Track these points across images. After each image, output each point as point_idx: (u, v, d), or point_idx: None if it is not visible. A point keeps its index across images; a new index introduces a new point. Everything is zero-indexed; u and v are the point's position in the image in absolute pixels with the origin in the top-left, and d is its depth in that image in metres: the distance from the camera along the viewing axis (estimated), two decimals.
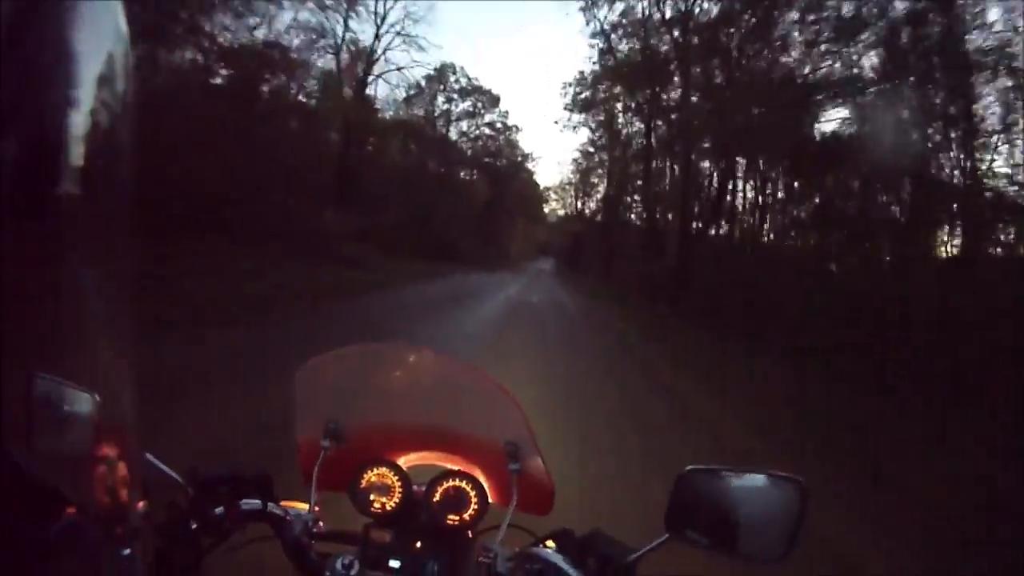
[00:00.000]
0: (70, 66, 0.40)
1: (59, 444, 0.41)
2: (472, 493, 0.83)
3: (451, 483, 0.84)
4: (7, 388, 0.37)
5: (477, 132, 33.88)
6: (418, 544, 0.80)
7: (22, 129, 0.37)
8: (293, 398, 0.83)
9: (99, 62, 0.42)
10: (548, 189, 41.55)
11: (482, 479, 0.85)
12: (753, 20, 15.81)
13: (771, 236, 17.52)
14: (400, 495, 0.83)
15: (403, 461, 0.87)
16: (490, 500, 0.85)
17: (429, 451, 0.88)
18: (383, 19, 23.22)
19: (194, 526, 0.68)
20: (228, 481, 0.71)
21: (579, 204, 37.33)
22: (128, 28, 0.42)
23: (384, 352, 0.85)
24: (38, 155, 0.38)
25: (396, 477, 0.84)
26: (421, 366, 0.84)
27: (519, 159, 37.80)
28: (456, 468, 0.86)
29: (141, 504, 0.51)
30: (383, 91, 34.82)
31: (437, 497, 0.83)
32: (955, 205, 11.25)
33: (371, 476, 0.84)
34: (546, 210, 44.76)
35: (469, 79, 32.20)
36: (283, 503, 0.78)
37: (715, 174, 19.30)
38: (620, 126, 26.50)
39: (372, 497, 0.83)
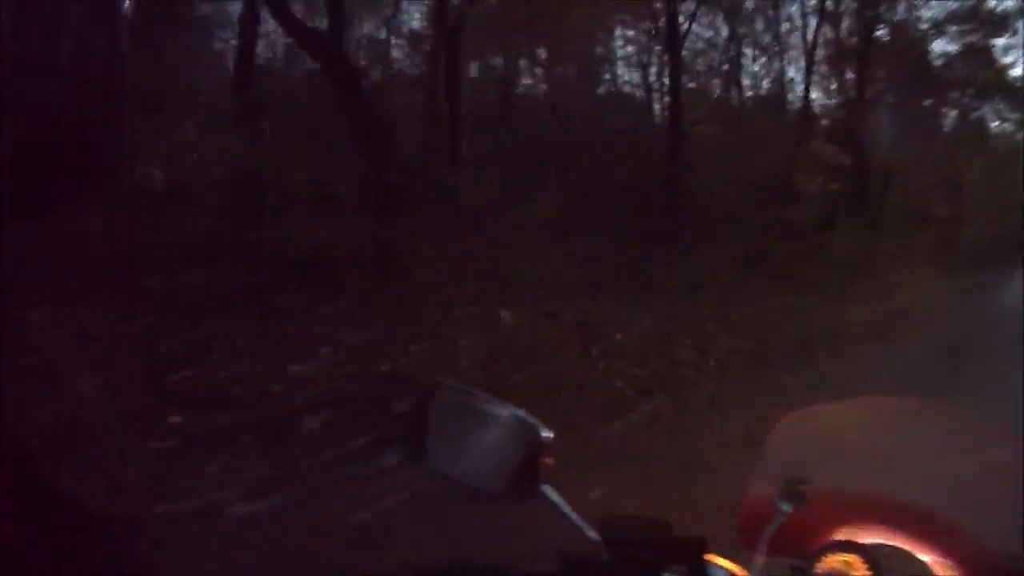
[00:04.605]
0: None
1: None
2: None
3: None
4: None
5: None
6: None
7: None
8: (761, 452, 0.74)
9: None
10: None
11: None
12: None
13: None
14: None
15: (870, 541, 0.70)
16: None
17: (905, 535, 0.71)
18: None
19: None
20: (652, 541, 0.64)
21: None
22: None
23: (877, 407, 0.75)
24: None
25: (866, 567, 0.67)
26: (927, 424, 0.72)
27: None
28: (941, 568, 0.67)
29: None
30: None
31: None
32: None
33: (833, 561, 0.68)
34: None
35: None
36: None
37: None
38: None
39: None
